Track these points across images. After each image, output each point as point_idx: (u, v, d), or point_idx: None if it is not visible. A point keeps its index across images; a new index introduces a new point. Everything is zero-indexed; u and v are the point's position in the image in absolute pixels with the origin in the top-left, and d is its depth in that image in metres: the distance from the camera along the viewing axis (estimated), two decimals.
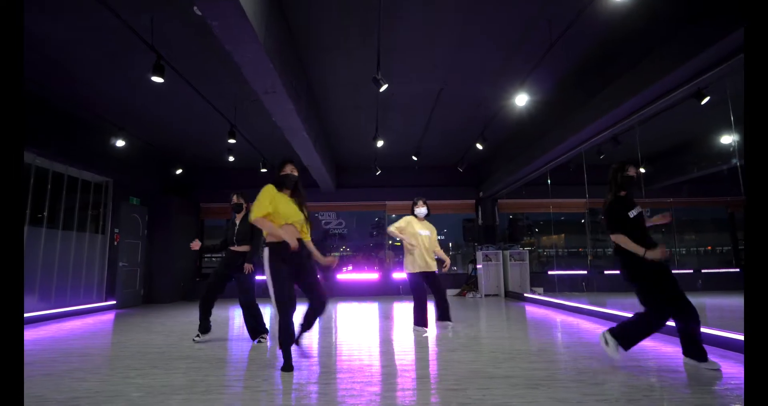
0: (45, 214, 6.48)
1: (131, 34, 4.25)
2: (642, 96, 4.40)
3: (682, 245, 11.07)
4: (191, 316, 6.49)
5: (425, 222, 4.80)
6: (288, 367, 2.89)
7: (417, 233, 4.64)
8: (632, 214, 2.98)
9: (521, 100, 5.07)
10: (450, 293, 10.10)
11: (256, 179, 10.35)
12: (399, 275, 10.35)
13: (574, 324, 5.14)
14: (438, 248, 4.75)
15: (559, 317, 5.80)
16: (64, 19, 4.18)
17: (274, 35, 3.80)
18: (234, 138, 6.38)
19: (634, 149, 7.82)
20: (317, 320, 3.18)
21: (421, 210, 4.77)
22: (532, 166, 7.07)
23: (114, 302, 7.88)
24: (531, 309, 6.89)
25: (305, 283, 3.04)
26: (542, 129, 6.43)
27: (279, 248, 2.88)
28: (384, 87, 4.50)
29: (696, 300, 2.89)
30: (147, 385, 2.71)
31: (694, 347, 2.84)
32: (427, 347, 3.86)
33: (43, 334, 5.02)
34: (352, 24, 4.36)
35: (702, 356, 2.82)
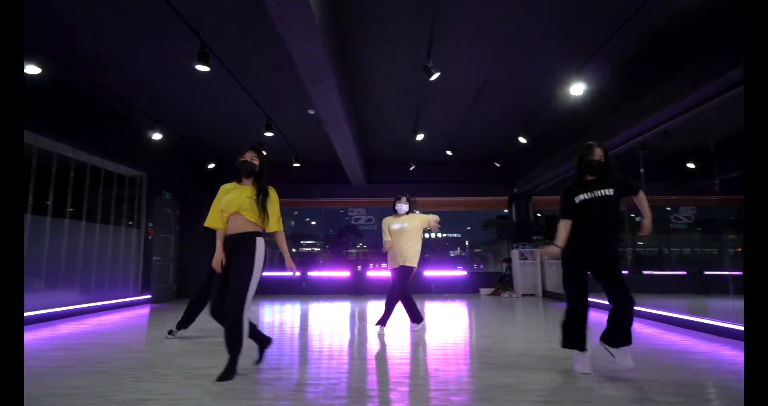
0: (84, 207, 6.48)
1: (174, 24, 4.14)
2: (713, 85, 4.08)
3: (729, 244, 10.53)
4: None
5: (406, 216, 4.58)
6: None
7: (392, 230, 4.51)
8: (578, 199, 2.79)
9: (577, 89, 4.78)
10: (483, 292, 9.84)
11: (285, 174, 10.30)
12: (429, 273, 10.13)
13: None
14: (419, 232, 4.52)
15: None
16: (107, 10, 4.09)
17: (326, 20, 3.62)
18: (271, 131, 6.25)
19: (686, 142, 7.44)
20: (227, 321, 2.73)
21: (402, 206, 4.61)
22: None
23: (149, 297, 7.88)
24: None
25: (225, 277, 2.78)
26: (593, 121, 6.11)
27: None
28: (435, 76, 4.29)
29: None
30: (208, 389, 2.57)
31: (615, 333, 2.73)
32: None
33: (86, 327, 4.99)
34: (404, 12, 4.14)
35: (616, 344, 2.72)
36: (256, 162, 2.86)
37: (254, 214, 2.77)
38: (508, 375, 2.80)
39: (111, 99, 6.12)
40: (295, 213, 12.36)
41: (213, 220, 2.86)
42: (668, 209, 10.96)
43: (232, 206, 2.77)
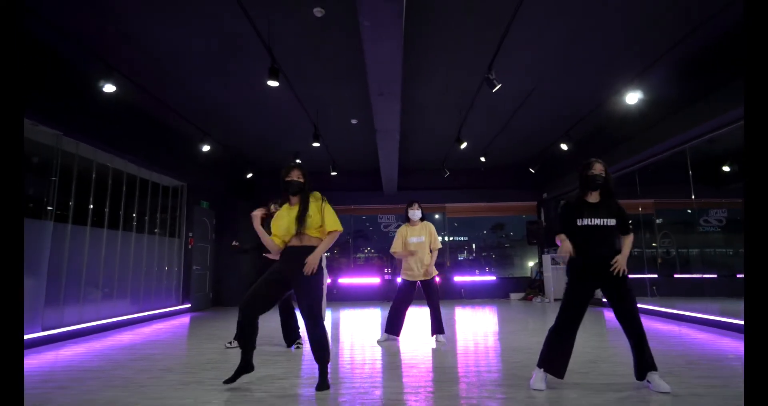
0: (134, 218, 6.60)
1: (242, 42, 4.28)
2: None
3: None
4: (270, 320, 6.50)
5: (421, 225, 4.54)
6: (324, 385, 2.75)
7: (407, 241, 4.47)
8: (580, 222, 2.74)
9: (632, 98, 4.87)
10: (514, 296, 9.90)
11: (315, 183, 10.39)
12: (460, 279, 10.20)
13: (661, 329, 4.90)
14: (433, 253, 4.48)
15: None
16: (179, 29, 4.23)
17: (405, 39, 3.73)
18: (318, 141, 6.37)
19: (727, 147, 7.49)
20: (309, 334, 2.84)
21: (416, 213, 4.55)
22: (618, 165, 6.81)
23: (189, 306, 7.98)
24: (610, 315, 6.64)
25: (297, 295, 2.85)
26: (637, 128, 6.18)
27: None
28: (497, 87, 4.38)
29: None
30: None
31: (641, 361, 2.67)
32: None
33: (144, 337, 5.08)
34: (467, 25, 4.25)
35: (644, 370, 2.66)
36: (302, 180, 2.92)
37: (309, 229, 2.83)
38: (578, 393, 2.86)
39: (168, 113, 6.26)
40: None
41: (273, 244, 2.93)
42: (689, 211, 11.03)
43: (287, 233, 2.85)
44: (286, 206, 2.96)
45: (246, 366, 2.83)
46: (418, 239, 4.44)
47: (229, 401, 2.56)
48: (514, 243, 12.69)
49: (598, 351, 3.86)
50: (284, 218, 2.87)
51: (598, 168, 2.80)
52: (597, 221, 2.73)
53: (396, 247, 4.50)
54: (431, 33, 4.40)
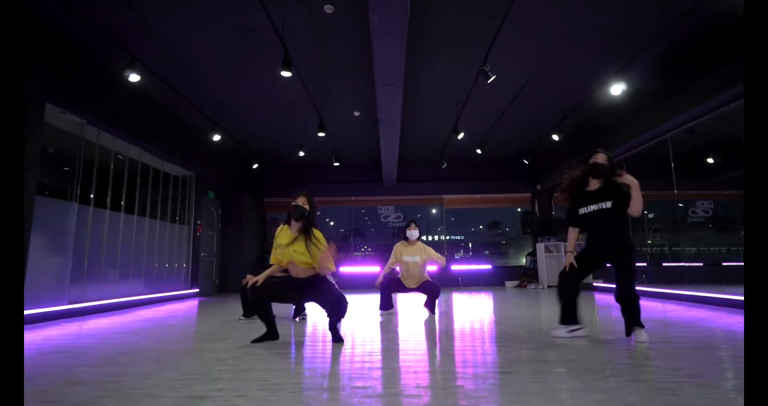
0: (148, 205, 6.94)
1: (256, 33, 4.62)
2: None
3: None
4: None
5: (416, 245, 4.84)
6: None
7: (403, 260, 4.80)
8: (581, 211, 3.01)
9: (617, 89, 5.25)
10: (509, 284, 10.30)
11: (317, 175, 10.80)
12: (457, 267, 10.59)
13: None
14: (427, 269, 4.85)
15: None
16: (196, 23, 4.58)
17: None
18: (323, 131, 6.73)
19: (710, 138, 7.90)
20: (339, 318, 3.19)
21: (413, 233, 4.83)
22: (612, 154, 7.19)
23: (197, 290, 8.32)
24: (601, 297, 7.05)
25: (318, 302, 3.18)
26: (624, 119, 6.58)
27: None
28: (492, 79, 4.75)
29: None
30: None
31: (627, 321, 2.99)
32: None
33: (162, 314, 5.43)
34: (466, 18, 4.61)
35: (630, 326, 2.98)
36: (307, 206, 3.13)
37: (308, 259, 3.06)
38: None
39: (182, 105, 6.60)
40: (318, 213, 12.82)
41: (275, 258, 3.21)
42: (680, 205, 11.46)
43: (284, 258, 3.13)
44: (285, 228, 3.18)
45: (271, 334, 3.16)
46: (413, 259, 4.79)
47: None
48: (510, 240, 13.09)
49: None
50: (285, 248, 3.10)
51: (600, 157, 2.96)
52: (593, 207, 2.96)
53: (391, 264, 4.89)
54: (430, 28, 4.77)
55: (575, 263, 3.02)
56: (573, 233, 3.19)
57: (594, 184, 3.03)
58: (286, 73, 4.59)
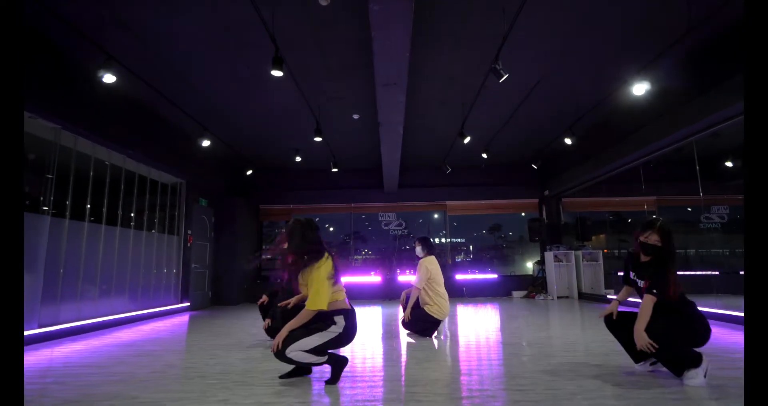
0: (132, 215, 6.49)
1: (245, 30, 4.19)
2: None
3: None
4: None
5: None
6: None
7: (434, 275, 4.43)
8: (631, 276, 2.91)
9: (639, 89, 4.81)
10: (516, 294, 9.82)
11: (314, 181, 10.34)
12: (462, 277, 10.11)
13: None
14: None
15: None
16: (181, 19, 4.14)
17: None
18: (320, 136, 6.28)
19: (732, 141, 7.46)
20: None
21: (416, 249, 4.62)
22: (623, 160, 6.74)
23: (188, 304, 7.86)
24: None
25: None
26: (639, 123, 6.13)
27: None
28: (504, 78, 4.31)
29: None
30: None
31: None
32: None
33: (144, 335, 4.97)
34: (476, 11, 4.17)
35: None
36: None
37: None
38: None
39: (167, 108, 6.15)
40: (317, 219, 12.38)
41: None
42: (689, 209, 11.00)
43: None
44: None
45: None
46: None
47: (235, 393, 2.47)
48: (512, 244, 12.68)
49: (611, 344, 3.79)
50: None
51: (652, 238, 2.65)
52: (640, 283, 2.80)
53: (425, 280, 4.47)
54: (436, 23, 4.32)
55: (614, 315, 2.85)
56: (627, 290, 3.04)
57: (644, 257, 2.79)
58: (277, 73, 4.14)
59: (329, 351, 2.66)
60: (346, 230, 10.88)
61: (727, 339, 4.02)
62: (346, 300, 2.77)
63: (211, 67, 5.17)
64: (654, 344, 2.46)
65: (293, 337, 2.53)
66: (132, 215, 6.48)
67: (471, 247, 12.82)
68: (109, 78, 4.20)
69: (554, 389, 2.46)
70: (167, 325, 5.75)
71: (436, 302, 4.36)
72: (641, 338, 2.49)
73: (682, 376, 2.54)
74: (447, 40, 4.65)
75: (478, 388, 2.54)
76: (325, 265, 2.66)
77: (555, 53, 4.98)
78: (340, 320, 2.64)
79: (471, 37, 4.61)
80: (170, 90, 5.65)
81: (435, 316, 4.35)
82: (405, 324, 4.51)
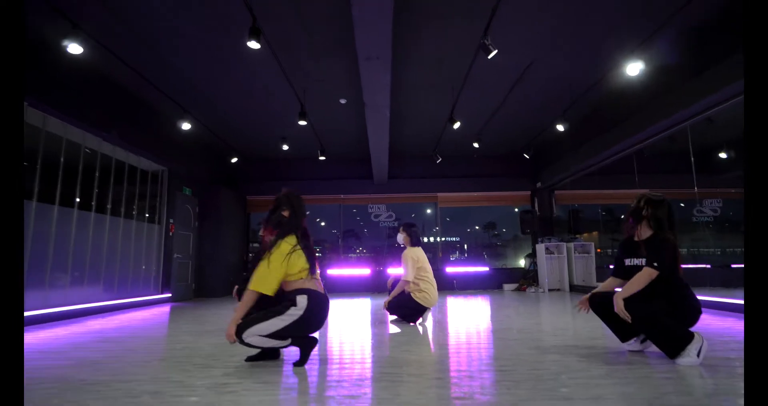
0: (109, 202, 6.23)
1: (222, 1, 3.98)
2: None
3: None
4: None
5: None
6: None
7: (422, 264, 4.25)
8: (626, 262, 2.73)
9: (633, 69, 4.64)
10: (507, 287, 9.67)
11: (303, 171, 10.11)
12: (452, 270, 9.94)
13: None
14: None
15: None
16: None
17: None
18: (304, 119, 6.05)
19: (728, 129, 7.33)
20: None
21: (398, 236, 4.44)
22: (617, 147, 6.58)
23: (170, 295, 7.61)
24: None
25: None
26: (634, 105, 5.97)
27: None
28: (493, 53, 4.13)
29: None
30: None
31: None
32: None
33: (117, 323, 4.74)
34: None
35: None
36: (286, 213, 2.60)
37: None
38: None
39: (145, 88, 5.89)
40: (308, 212, 12.12)
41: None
42: (682, 205, 10.91)
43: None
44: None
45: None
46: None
47: (192, 375, 2.26)
48: (507, 242, 12.55)
49: (600, 330, 3.62)
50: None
51: (634, 200, 2.63)
52: (637, 261, 2.62)
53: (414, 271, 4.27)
54: (422, 3, 4.12)
55: (588, 305, 2.74)
56: (611, 283, 2.81)
57: (643, 233, 2.60)
58: (254, 45, 3.92)
59: None
60: (338, 226, 10.64)
61: (719, 324, 3.87)
62: (319, 283, 2.56)
63: (190, 44, 4.93)
64: (628, 314, 2.38)
65: (247, 322, 2.33)
66: (109, 201, 6.22)
67: (466, 245, 12.70)
68: (75, 48, 3.95)
69: (538, 370, 2.28)
70: (144, 315, 5.51)
71: (424, 289, 4.16)
72: (618, 304, 2.41)
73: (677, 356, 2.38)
74: (434, 18, 4.45)
75: (456, 368, 2.35)
76: (289, 243, 2.45)
77: (546, 32, 4.79)
78: (302, 301, 2.38)
79: (459, 15, 4.41)
80: (145, 67, 5.40)
81: (421, 303, 4.15)
82: (389, 307, 4.30)
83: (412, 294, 4.16)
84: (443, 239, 12.31)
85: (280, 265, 2.38)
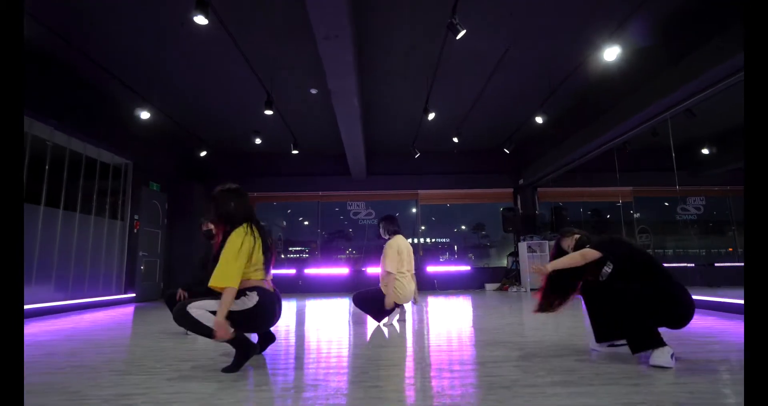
0: (62, 195, 5.84)
1: None
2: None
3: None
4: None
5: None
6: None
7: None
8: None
9: (611, 53, 4.40)
10: (489, 287, 9.42)
11: (278, 167, 9.76)
12: (433, 269, 9.66)
13: None
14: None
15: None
16: None
17: None
18: (270, 109, 5.72)
19: (708, 124, 7.16)
20: None
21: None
22: (599, 141, 6.36)
23: (133, 295, 7.23)
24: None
25: None
26: (613, 98, 5.76)
27: None
28: (462, 33, 3.85)
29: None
30: (211, 377, 2.06)
31: None
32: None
33: (63, 325, 4.38)
34: None
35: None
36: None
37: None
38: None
39: (96, 71, 5.52)
40: (289, 211, 11.77)
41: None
42: (666, 203, 10.78)
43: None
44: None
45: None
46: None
47: (98, 385, 1.94)
48: (495, 242, 12.35)
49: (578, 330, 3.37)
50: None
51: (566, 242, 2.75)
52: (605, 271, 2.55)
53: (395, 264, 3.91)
54: None
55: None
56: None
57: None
58: (201, 20, 3.60)
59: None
60: (318, 224, 10.29)
61: (698, 324, 3.64)
62: (269, 284, 2.38)
63: (140, 24, 4.58)
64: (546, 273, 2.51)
65: (199, 300, 2.20)
66: (61, 194, 5.84)
67: (456, 247, 12.47)
68: None
69: (493, 377, 2.00)
70: (98, 316, 5.13)
71: (398, 286, 3.85)
72: (545, 268, 2.50)
73: (641, 354, 2.20)
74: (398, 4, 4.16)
75: (404, 374, 2.06)
76: (239, 234, 2.25)
77: (520, 14, 4.53)
78: (252, 295, 2.25)
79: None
80: (97, 50, 5.04)
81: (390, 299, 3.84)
82: (355, 300, 3.96)
83: (383, 288, 3.84)
84: (433, 240, 12.04)
85: (237, 256, 2.20)
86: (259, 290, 2.28)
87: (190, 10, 3.60)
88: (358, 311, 4.89)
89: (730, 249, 10.31)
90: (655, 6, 4.24)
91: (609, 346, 2.55)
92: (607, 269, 2.44)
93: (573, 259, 2.41)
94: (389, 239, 3.96)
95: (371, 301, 3.91)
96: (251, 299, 2.24)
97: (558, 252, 2.76)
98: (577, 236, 2.70)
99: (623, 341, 2.51)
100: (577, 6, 4.38)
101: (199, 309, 2.15)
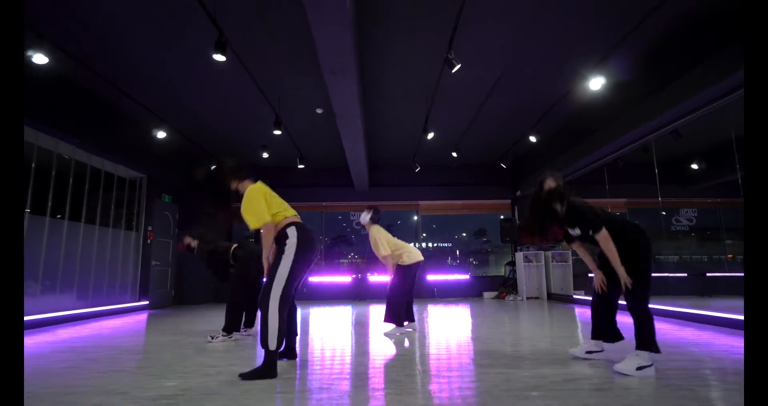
0: (83, 209, 6.23)
1: (188, 13, 4.05)
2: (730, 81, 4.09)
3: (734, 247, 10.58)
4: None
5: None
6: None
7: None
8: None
9: (596, 83, 4.77)
10: (487, 295, 9.74)
11: (285, 179, 10.14)
12: (433, 277, 9.99)
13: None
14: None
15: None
16: None
17: (352, 7, 3.54)
18: (279, 129, 6.11)
19: (695, 141, 7.49)
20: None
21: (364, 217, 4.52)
22: (592, 157, 6.71)
23: (147, 303, 7.60)
24: (582, 310, 6.52)
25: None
26: (603, 118, 6.11)
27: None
28: (457, 67, 4.23)
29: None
30: (237, 381, 2.41)
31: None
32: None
33: (88, 332, 4.74)
34: (423, 4, 4.08)
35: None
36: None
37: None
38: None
39: (115, 95, 5.93)
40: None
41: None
42: (663, 213, 11.09)
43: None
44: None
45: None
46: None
47: (141, 386, 2.30)
48: (497, 248, 12.68)
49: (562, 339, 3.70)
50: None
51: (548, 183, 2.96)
52: (573, 232, 2.80)
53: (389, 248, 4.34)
54: (385, 9, 4.21)
55: (605, 281, 2.80)
56: (580, 247, 2.96)
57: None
58: (219, 58, 3.99)
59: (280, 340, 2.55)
60: (321, 233, 10.66)
61: (674, 335, 3.96)
62: (296, 217, 2.79)
63: (159, 52, 4.98)
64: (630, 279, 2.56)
65: (267, 283, 2.52)
66: (83, 208, 6.22)
67: (458, 251, 12.81)
68: (39, 59, 3.99)
69: (481, 382, 2.35)
70: (117, 323, 5.50)
71: (404, 252, 4.27)
72: (621, 273, 2.57)
73: (636, 356, 2.49)
74: (401, 28, 4.55)
75: (394, 378, 2.41)
76: (249, 189, 2.70)
77: (511, 46, 4.90)
78: (291, 232, 2.61)
79: (425, 27, 4.52)
80: (119, 76, 5.44)
81: (407, 264, 4.23)
82: (387, 315, 4.25)
83: (399, 263, 4.23)
84: (435, 244, 12.38)
85: (256, 197, 2.63)
86: (296, 224, 2.66)
87: (208, 41, 3.99)
88: (361, 319, 5.25)
89: (730, 256, 10.59)
90: (634, 42, 4.60)
91: (587, 353, 2.87)
92: (577, 231, 2.74)
93: (613, 251, 2.60)
94: (371, 226, 4.36)
95: (388, 307, 4.28)
96: (292, 237, 2.58)
97: (547, 207, 2.80)
98: (566, 201, 2.79)
99: (600, 349, 2.85)
100: (563, 40, 4.76)
101: (276, 287, 2.49)
